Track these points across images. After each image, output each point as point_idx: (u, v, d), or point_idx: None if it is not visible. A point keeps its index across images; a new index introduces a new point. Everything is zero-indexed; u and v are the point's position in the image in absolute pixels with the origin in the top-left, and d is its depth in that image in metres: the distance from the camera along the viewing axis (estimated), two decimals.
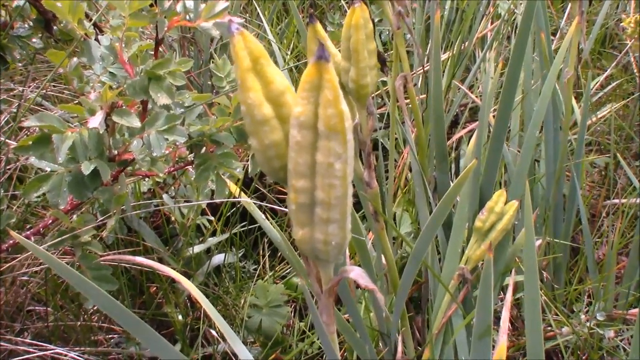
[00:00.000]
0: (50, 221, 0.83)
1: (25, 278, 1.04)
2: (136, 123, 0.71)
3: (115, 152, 0.76)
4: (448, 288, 0.93)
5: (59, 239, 0.82)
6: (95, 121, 0.69)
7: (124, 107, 0.73)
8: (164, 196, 1.10)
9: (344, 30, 0.61)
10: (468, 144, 1.49)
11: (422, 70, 1.03)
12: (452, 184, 0.70)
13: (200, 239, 1.32)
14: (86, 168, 0.69)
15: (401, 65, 0.92)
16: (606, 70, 1.69)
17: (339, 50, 0.64)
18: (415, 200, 1.04)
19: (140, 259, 0.72)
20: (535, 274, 0.59)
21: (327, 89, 0.36)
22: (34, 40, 0.95)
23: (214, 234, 1.36)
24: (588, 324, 1.12)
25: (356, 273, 0.44)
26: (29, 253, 0.94)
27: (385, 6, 0.84)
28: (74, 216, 0.90)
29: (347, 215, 0.41)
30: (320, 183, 0.39)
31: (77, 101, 1.21)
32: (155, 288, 1.25)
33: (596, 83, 1.62)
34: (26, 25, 0.95)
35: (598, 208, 1.44)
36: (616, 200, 1.36)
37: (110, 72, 0.86)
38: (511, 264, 1.06)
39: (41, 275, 1.07)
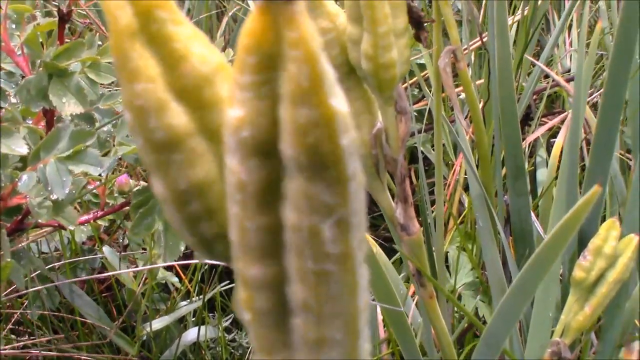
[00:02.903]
0: None
1: None
2: (20, 148, 0.56)
3: None
4: None
5: None
6: None
7: (2, 123, 0.58)
8: (105, 250, 0.94)
9: None
10: (547, 148, 1.33)
11: (479, 42, 0.87)
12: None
13: (168, 305, 1.17)
14: None
15: (446, 36, 0.75)
16: None
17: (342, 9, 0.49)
18: (481, 240, 0.88)
19: None
20: None
21: (294, 62, 0.20)
22: None
23: (188, 295, 1.21)
24: None
25: None
26: None
27: None
28: None
29: (362, 329, 0.26)
30: (296, 269, 0.23)
31: None
32: None
33: None
34: None
35: None
36: None
37: (8, 70, 0.71)
38: (630, 328, 0.89)
39: None
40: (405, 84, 1.10)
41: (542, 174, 1.21)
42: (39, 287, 1.02)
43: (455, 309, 1.12)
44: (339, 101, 0.21)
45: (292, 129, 0.20)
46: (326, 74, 0.20)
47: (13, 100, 0.73)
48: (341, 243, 0.22)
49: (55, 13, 0.71)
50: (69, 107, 0.61)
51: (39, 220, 0.59)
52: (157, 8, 0.23)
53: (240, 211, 0.23)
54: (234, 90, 0.22)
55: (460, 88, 1.04)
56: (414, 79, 1.34)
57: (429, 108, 1.22)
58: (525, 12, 1.06)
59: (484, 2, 1.22)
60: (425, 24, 0.50)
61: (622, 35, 0.68)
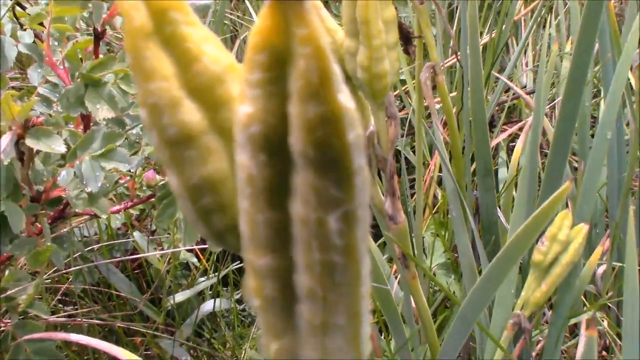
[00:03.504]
0: None
1: None
2: (59, 147, 0.52)
3: (41, 188, 0.57)
4: (499, 343, 0.73)
5: None
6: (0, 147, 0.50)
7: (44, 126, 0.54)
8: (135, 234, 0.91)
9: None
10: (507, 150, 1.29)
11: (453, 60, 0.84)
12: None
13: (189, 281, 1.13)
14: None
15: (426, 54, 0.72)
16: None
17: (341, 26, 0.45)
18: (453, 227, 0.84)
19: (76, 337, 0.53)
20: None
21: (303, 59, 0.17)
22: None
23: (205, 273, 1.17)
24: None
25: None
26: None
27: None
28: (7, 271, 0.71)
29: (364, 314, 0.22)
30: (303, 260, 0.20)
31: None
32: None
33: None
34: None
35: None
36: None
37: (52, 82, 0.67)
38: (578, 302, 0.86)
39: None
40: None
41: (503, 173, 1.18)
42: (81, 266, 0.99)
43: (430, 285, 1.09)
44: (346, 97, 0.17)
45: (301, 124, 0.17)
46: (334, 71, 0.17)
47: (59, 109, 0.70)
48: (347, 235, 0.19)
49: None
50: (102, 112, 0.58)
51: (77, 210, 0.55)
52: (172, 9, 0.20)
53: (250, 205, 0.19)
54: (244, 87, 0.18)
55: (438, 99, 1.01)
56: (396, 91, 1.30)
57: (409, 117, 1.18)
58: (493, 36, 1.03)
59: (455, 25, 1.18)
60: (413, 38, 0.46)
61: (578, 56, 0.65)
